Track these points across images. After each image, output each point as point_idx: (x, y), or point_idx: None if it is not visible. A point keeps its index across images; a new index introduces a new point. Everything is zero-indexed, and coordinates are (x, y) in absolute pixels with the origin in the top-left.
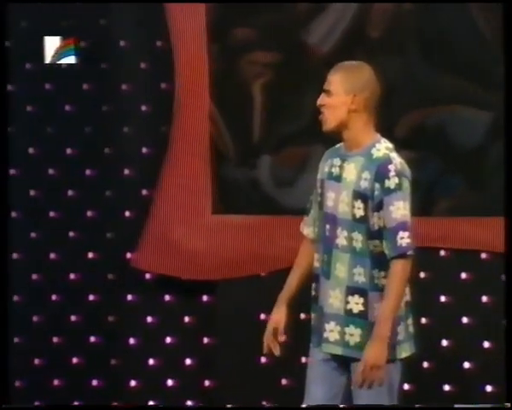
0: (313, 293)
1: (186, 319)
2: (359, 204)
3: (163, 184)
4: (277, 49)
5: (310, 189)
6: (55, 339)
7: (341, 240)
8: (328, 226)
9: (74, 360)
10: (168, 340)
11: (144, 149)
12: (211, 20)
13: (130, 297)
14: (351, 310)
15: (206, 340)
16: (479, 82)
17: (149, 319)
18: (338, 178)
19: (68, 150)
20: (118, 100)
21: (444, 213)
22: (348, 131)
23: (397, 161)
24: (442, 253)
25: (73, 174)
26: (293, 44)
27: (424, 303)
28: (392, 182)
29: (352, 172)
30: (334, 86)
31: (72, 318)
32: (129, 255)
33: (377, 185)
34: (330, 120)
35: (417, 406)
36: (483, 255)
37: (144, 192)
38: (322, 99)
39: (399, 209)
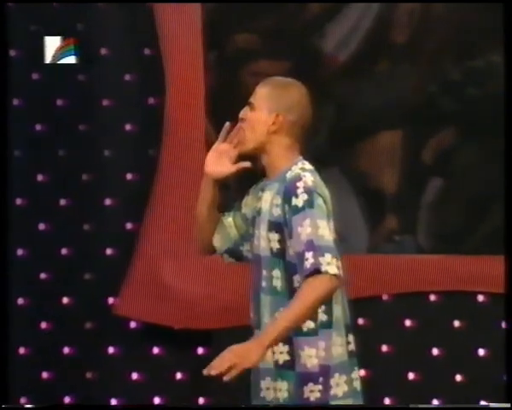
0: None
1: (178, 375)
2: (274, 235)
3: (151, 216)
4: (285, 58)
5: None
6: (22, 400)
7: (264, 281)
8: (255, 269)
9: None
10: (157, 400)
11: (129, 176)
12: (207, 23)
13: (112, 350)
14: (277, 361)
15: (201, 400)
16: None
17: (135, 375)
18: (259, 212)
19: (39, 177)
20: (98, 118)
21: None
22: (267, 156)
23: (308, 178)
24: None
25: (45, 205)
26: (303, 52)
27: (413, 355)
28: (300, 199)
29: (267, 201)
30: (258, 101)
31: (44, 375)
32: (111, 301)
33: (287, 207)
34: (249, 139)
35: (417, 406)
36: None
37: (129, 226)
38: (245, 112)
39: (306, 228)
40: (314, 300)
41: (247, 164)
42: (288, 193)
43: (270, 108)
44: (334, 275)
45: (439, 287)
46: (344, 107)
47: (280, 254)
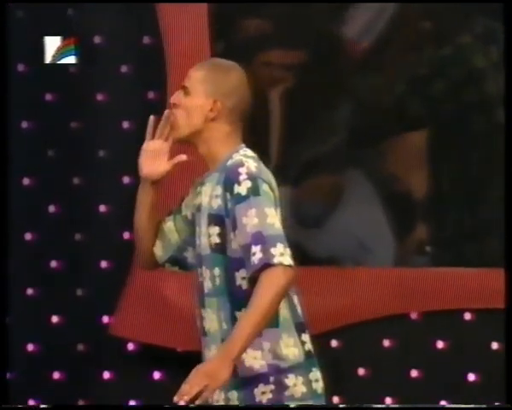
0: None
1: (181, 402)
2: (214, 229)
3: None
4: (300, 47)
5: (343, 231)
6: None
7: (207, 282)
8: (198, 271)
9: None
10: None
11: (126, 179)
12: (214, 9)
13: (107, 375)
14: None
15: None
16: None
17: (133, 403)
18: (199, 208)
19: (25, 181)
20: (91, 114)
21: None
22: (205, 146)
23: (251, 163)
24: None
25: (32, 212)
26: (321, 40)
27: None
28: (243, 187)
29: (206, 193)
30: (193, 84)
31: (31, 403)
32: (106, 320)
33: (228, 196)
34: (183, 125)
35: (417, 406)
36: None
37: (126, 236)
38: (178, 97)
39: (252, 219)
40: (273, 296)
41: (183, 157)
42: (230, 181)
43: (207, 92)
44: (289, 266)
45: (475, 304)
46: (367, 101)
47: (220, 250)
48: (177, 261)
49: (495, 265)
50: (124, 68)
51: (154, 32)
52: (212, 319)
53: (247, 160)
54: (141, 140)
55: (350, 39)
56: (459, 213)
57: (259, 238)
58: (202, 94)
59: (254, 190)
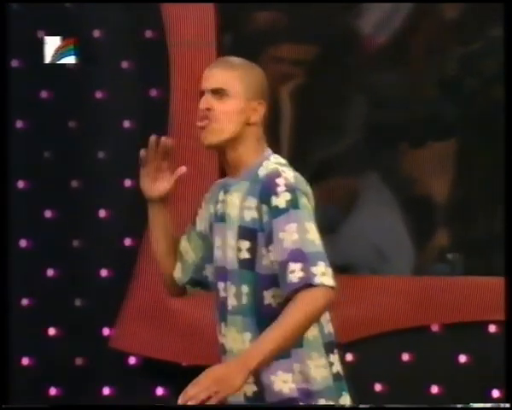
0: None
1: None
2: (244, 243)
3: None
4: (312, 41)
5: (358, 237)
6: None
7: (231, 299)
8: (220, 285)
9: None
10: None
11: (127, 182)
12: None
13: (107, 391)
14: (245, 394)
15: None
16: None
17: None
18: (223, 218)
19: (20, 184)
20: (90, 113)
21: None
22: (234, 150)
23: (288, 173)
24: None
25: (28, 217)
26: (334, 34)
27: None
28: (281, 199)
29: (234, 204)
30: (231, 86)
31: None
32: (106, 332)
33: (264, 208)
34: (222, 131)
35: (417, 406)
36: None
37: (127, 242)
38: (210, 101)
39: (292, 234)
40: (308, 317)
41: (182, 170)
42: (267, 192)
43: (249, 94)
44: (331, 287)
45: (500, 316)
46: (384, 99)
47: (248, 266)
48: (197, 282)
49: None
50: (124, 64)
51: (156, 25)
52: (234, 339)
53: (284, 169)
54: (143, 140)
55: (366, 34)
56: (483, 218)
57: (299, 256)
58: (242, 96)
59: (294, 203)
